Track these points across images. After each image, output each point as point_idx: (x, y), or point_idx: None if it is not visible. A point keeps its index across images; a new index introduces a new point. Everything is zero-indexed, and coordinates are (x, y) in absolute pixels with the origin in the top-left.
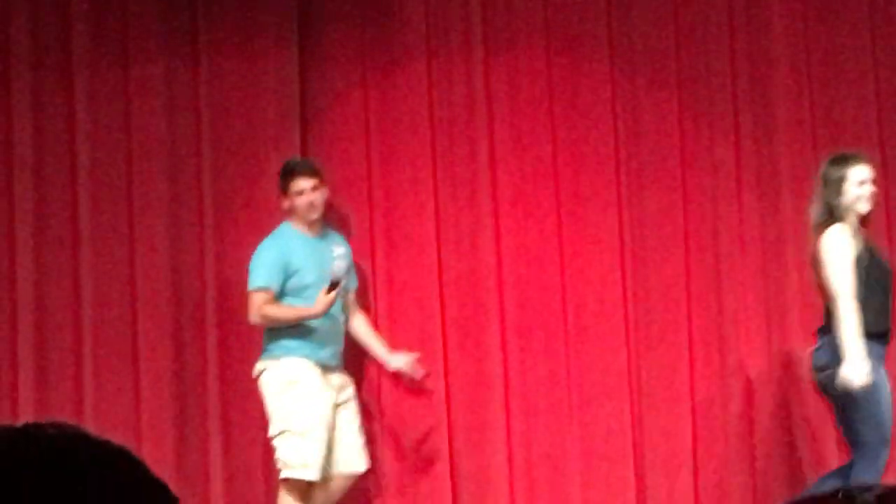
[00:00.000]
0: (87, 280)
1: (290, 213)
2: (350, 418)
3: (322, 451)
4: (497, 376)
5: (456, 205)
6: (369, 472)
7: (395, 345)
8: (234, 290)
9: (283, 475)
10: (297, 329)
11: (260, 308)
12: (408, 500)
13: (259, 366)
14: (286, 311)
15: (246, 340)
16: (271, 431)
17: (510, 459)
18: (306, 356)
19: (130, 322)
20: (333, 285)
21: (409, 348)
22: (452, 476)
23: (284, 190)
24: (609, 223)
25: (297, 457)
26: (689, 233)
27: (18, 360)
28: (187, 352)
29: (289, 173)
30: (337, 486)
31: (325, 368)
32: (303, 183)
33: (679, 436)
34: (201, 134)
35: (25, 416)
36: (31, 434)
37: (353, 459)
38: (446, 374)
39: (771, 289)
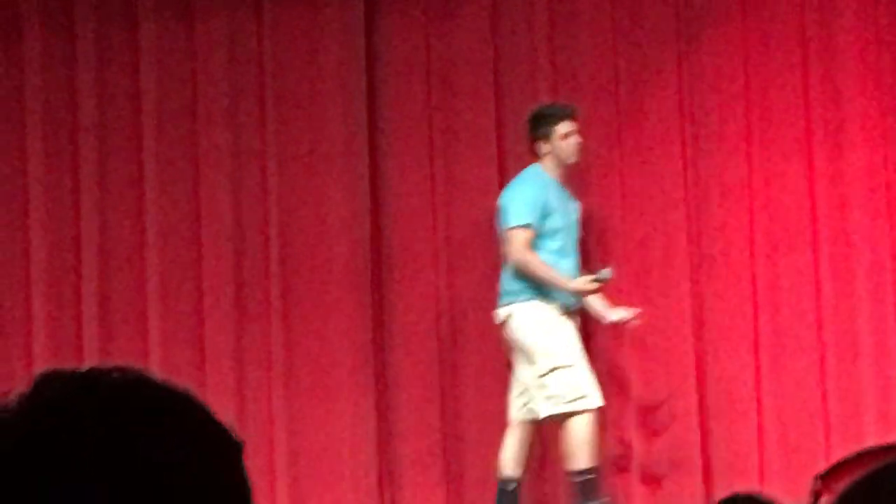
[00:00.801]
0: (152, 231)
1: (546, 156)
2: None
3: (593, 379)
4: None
5: (516, 143)
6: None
7: None
8: (297, 241)
9: (562, 410)
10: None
11: (524, 247)
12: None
13: (504, 311)
14: (545, 270)
15: (308, 290)
16: (540, 371)
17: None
18: (554, 300)
19: (195, 275)
20: (599, 280)
21: None
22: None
23: (546, 134)
24: (672, 167)
25: (573, 390)
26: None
27: (83, 312)
28: (251, 303)
29: (554, 116)
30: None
31: (569, 313)
32: (569, 126)
33: None
34: (265, 85)
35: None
36: (96, 377)
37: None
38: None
39: None
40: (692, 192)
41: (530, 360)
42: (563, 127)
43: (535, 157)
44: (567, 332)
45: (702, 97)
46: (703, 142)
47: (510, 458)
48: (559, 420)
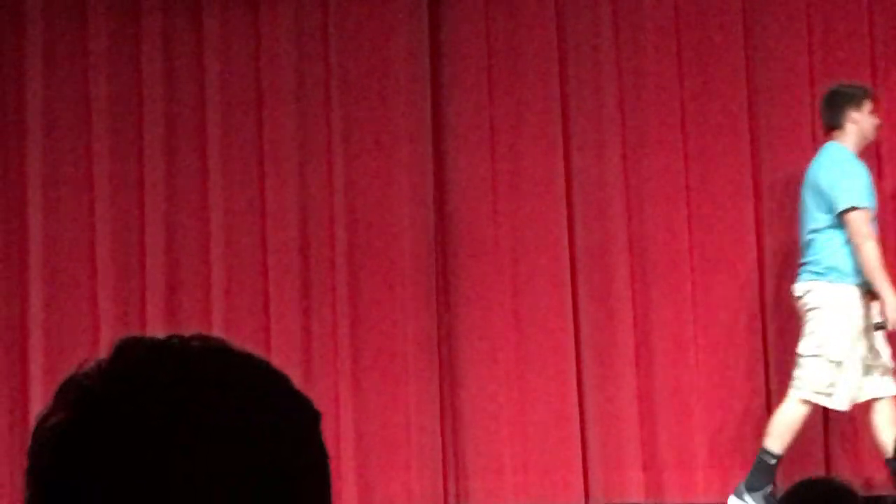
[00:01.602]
0: (217, 222)
1: (848, 136)
2: (882, 342)
3: (854, 383)
4: None
5: (581, 141)
6: None
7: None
8: (362, 226)
9: (801, 395)
10: (855, 258)
11: (867, 231)
12: None
13: (805, 286)
14: (877, 268)
15: (373, 280)
16: (803, 349)
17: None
18: (858, 284)
19: (260, 266)
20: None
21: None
22: None
23: (853, 112)
24: (737, 158)
25: (823, 383)
26: None
27: (148, 304)
28: (316, 294)
29: (859, 96)
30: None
31: (871, 295)
32: (871, 104)
33: None
34: (330, 76)
35: None
36: (176, 346)
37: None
38: None
39: None
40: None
41: (807, 334)
42: (868, 105)
43: (830, 135)
44: (853, 329)
45: (770, 95)
46: (767, 131)
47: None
48: (795, 397)
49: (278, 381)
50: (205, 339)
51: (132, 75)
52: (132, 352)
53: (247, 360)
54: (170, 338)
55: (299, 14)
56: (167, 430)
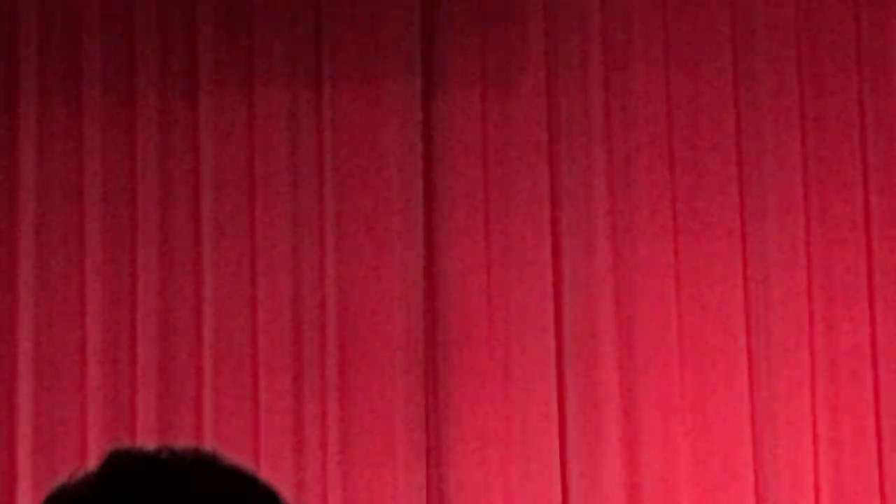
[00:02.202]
0: (209, 303)
1: None
2: None
3: None
4: None
5: (571, 227)
6: None
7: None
8: (353, 316)
9: None
10: None
11: None
12: None
13: None
14: None
15: (364, 365)
16: None
17: None
18: None
19: (251, 348)
20: None
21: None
22: None
23: None
24: (730, 251)
25: None
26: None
27: (139, 385)
28: (307, 378)
29: None
30: None
31: None
32: None
33: None
34: (323, 159)
35: (145, 423)
36: (167, 460)
37: None
38: None
39: None
40: (748, 265)
41: None
42: None
43: None
44: None
45: (761, 176)
46: (760, 216)
47: None
48: None
49: (266, 497)
50: (196, 453)
51: (126, 156)
52: (123, 465)
53: (236, 477)
54: (160, 450)
55: (293, 97)
56: None
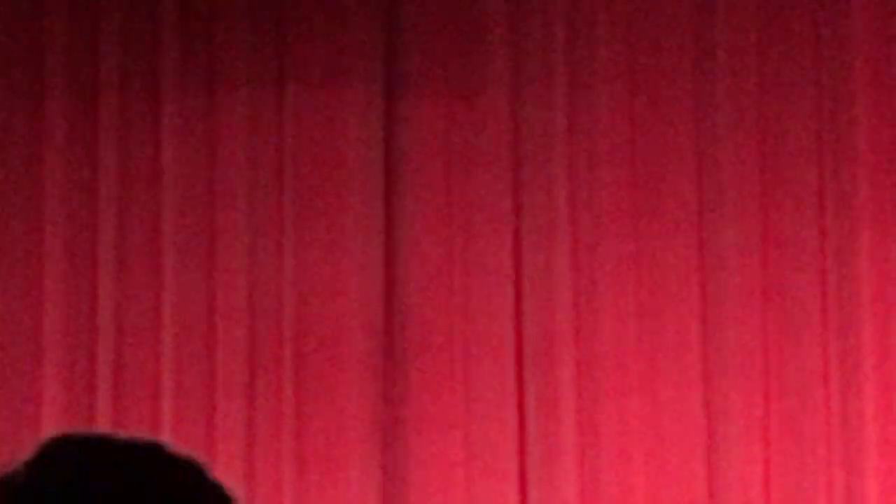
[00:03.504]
0: (167, 307)
1: None
2: None
3: None
4: None
5: (532, 238)
6: None
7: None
8: (310, 321)
9: None
10: None
11: None
12: None
13: None
14: None
15: (320, 370)
16: None
17: None
18: None
19: (208, 352)
20: None
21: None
22: None
23: None
24: (686, 266)
25: None
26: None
27: (97, 385)
28: (262, 382)
29: None
30: None
31: None
32: None
33: None
34: (283, 164)
35: (102, 424)
36: (103, 445)
37: None
38: None
39: None
40: (706, 281)
41: None
42: None
43: None
44: None
45: (720, 190)
46: (718, 230)
47: None
48: None
49: (209, 487)
50: (137, 439)
51: (87, 160)
52: (58, 451)
53: (175, 461)
54: (96, 436)
55: (255, 100)
56: None
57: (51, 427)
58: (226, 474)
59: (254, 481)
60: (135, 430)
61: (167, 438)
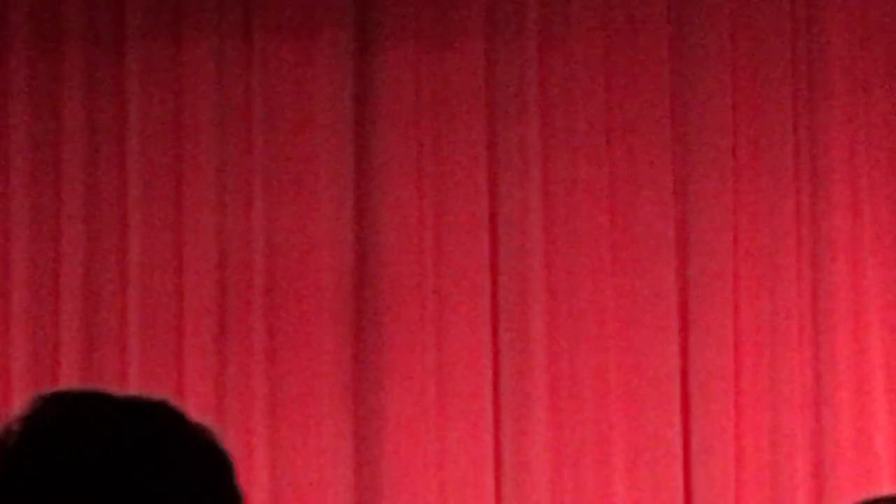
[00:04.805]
0: (134, 254)
1: None
2: None
3: None
4: None
5: (507, 190)
6: None
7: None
8: (281, 269)
9: None
10: None
11: None
12: None
13: None
14: None
15: (291, 319)
16: None
17: None
18: None
19: (176, 300)
20: None
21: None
22: None
23: None
24: (661, 212)
25: None
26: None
27: (62, 335)
28: (232, 332)
29: None
30: None
31: None
32: None
33: None
34: (252, 111)
35: (69, 383)
36: (91, 399)
37: None
38: None
39: None
40: (681, 240)
41: None
42: None
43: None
44: None
45: (693, 146)
46: (692, 193)
47: None
48: None
49: (193, 432)
50: (119, 397)
51: (52, 106)
52: (47, 408)
53: (161, 412)
54: (84, 392)
55: (222, 48)
56: (79, 490)
57: (18, 388)
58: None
59: (226, 433)
60: (104, 381)
61: (135, 389)
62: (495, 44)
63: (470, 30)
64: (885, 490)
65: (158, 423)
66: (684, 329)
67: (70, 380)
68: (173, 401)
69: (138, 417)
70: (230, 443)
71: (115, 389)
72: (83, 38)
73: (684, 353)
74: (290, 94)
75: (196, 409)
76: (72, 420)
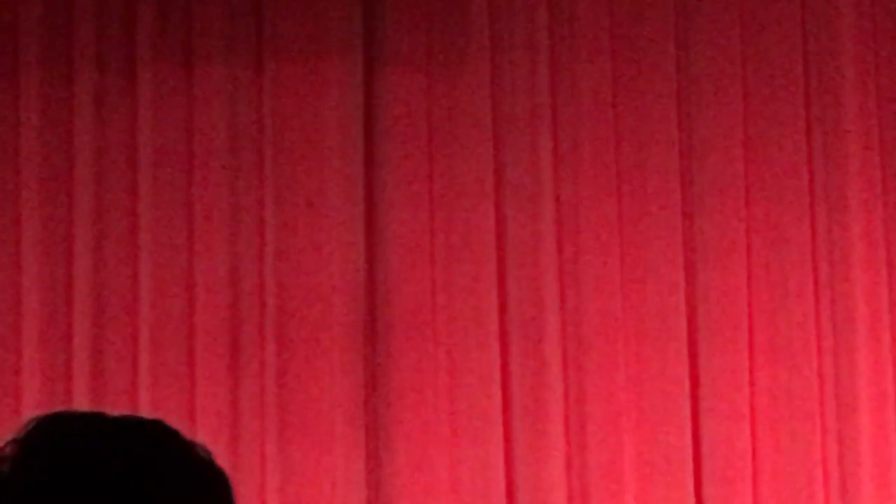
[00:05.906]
0: (146, 282)
1: None
2: None
3: None
4: None
5: (516, 211)
6: None
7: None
8: (292, 296)
9: None
10: None
11: None
12: None
13: None
14: None
15: (302, 346)
16: None
17: None
18: None
19: (188, 328)
20: None
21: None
22: None
23: None
24: (670, 231)
25: None
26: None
27: (74, 362)
28: (244, 358)
29: None
30: None
31: None
32: None
33: None
34: (263, 138)
35: (79, 405)
36: (90, 421)
37: None
38: None
39: None
40: (690, 251)
41: None
42: None
43: None
44: None
45: (703, 160)
46: (700, 202)
47: None
48: None
49: (189, 450)
50: (125, 418)
51: (63, 133)
52: (42, 427)
53: (161, 432)
54: (79, 412)
55: (233, 74)
56: None
57: (28, 408)
58: (208, 446)
59: (236, 458)
60: (115, 402)
61: (146, 410)
62: (503, 66)
63: (477, 52)
64: None
65: (154, 441)
66: (693, 343)
67: (81, 401)
68: (185, 421)
69: (133, 435)
70: (242, 463)
71: (127, 410)
72: (95, 62)
73: (693, 365)
74: (301, 118)
75: (207, 430)
76: (66, 437)
